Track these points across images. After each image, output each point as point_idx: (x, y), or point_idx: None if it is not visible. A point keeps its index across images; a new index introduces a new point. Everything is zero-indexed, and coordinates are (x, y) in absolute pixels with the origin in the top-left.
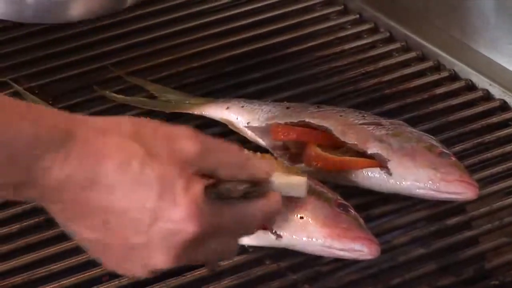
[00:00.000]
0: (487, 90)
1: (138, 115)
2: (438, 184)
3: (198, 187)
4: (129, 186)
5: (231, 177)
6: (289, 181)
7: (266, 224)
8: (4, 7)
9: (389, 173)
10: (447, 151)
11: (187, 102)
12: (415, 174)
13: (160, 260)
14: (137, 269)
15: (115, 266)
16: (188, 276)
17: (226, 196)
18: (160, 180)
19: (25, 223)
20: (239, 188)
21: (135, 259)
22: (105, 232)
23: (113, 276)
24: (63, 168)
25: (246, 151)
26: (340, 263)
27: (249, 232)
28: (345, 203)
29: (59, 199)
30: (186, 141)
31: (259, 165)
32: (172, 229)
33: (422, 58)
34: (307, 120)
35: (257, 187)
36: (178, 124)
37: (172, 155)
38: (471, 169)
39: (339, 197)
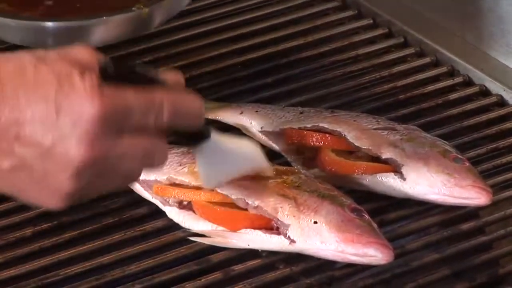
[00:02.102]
0: (501, 96)
1: None
2: (452, 189)
3: (93, 71)
4: (29, 88)
5: None
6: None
7: (179, 120)
8: (25, 34)
9: (403, 178)
10: (461, 157)
11: None
12: (429, 179)
13: (77, 151)
14: (52, 194)
15: (32, 193)
16: (202, 280)
17: (126, 71)
18: (55, 73)
19: (38, 227)
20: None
21: (53, 170)
22: (18, 150)
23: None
24: None
25: None
26: (353, 268)
27: (158, 122)
28: (359, 208)
29: None
30: (79, 49)
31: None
32: (78, 113)
33: (436, 64)
34: (321, 125)
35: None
36: None
37: (64, 56)
38: (485, 175)
39: (353, 202)
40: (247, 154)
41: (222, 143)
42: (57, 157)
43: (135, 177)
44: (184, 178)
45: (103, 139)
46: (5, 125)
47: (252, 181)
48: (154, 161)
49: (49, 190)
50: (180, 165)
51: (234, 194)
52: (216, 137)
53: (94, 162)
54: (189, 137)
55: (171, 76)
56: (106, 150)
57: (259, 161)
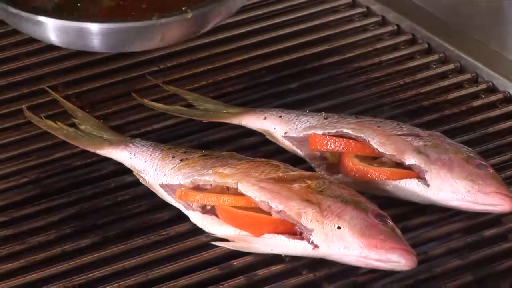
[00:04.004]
0: None
1: (176, 124)
2: (475, 196)
3: None
4: None
5: None
6: None
7: None
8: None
9: (426, 184)
10: (485, 163)
11: (225, 111)
12: (452, 186)
13: None
14: None
15: None
16: (225, 285)
17: None
18: None
19: (61, 231)
20: None
21: None
22: None
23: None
24: None
25: None
26: (376, 274)
27: None
28: (383, 213)
29: None
30: None
31: None
32: None
33: (460, 70)
34: (345, 130)
35: None
36: (215, 134)
37: None
38: (509, 181)
39: (376, 208)
40: None
41: None
42: None
43: None
44: (208, 177)
45: None
46: None
47: (276, 184)
48: None
49: None
50: (204, 168)
51: (258, 197)
52: None
53: None
54: None
55: None
56: None
57: None
